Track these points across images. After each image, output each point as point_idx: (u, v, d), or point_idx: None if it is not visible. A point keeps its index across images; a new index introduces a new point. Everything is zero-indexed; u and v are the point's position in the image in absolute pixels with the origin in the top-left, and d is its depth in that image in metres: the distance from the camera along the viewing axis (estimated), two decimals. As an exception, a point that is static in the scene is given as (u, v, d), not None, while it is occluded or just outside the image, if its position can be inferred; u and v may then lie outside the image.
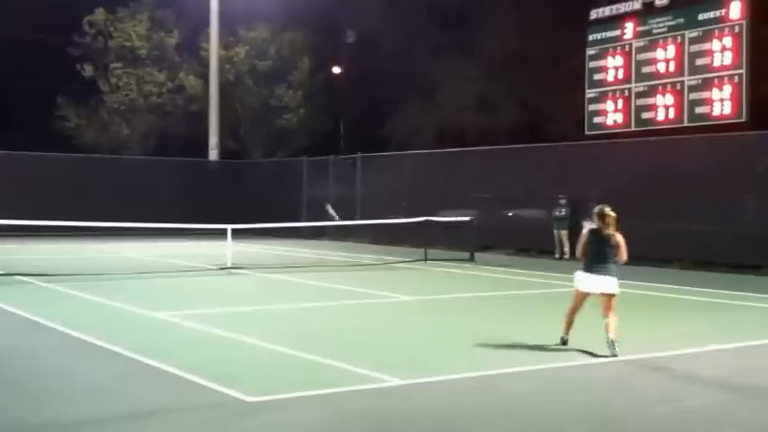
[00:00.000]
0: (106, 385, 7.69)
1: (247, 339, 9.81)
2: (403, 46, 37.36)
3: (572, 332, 9.49)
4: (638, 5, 23.07)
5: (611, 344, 8.94)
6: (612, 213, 9.25)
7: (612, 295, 9.17)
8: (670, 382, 8.11)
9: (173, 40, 36.96)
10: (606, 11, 23.98)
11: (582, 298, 9.40)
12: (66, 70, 35.57)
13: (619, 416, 6.89)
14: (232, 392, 7.25)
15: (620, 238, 9.21)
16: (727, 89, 20.76)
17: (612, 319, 9.10)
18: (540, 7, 33.04)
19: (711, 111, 21.12)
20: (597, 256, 9.23)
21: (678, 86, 21.86)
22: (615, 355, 8.87)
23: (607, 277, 9.17)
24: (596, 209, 9.41)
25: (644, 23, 22.86)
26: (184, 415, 6.81)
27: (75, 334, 10.07)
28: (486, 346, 9.77)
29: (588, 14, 24.39)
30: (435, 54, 36.26)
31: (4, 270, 17.11)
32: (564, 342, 9.47)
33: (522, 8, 33.87)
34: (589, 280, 9.26)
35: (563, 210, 22.33)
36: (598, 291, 9.20)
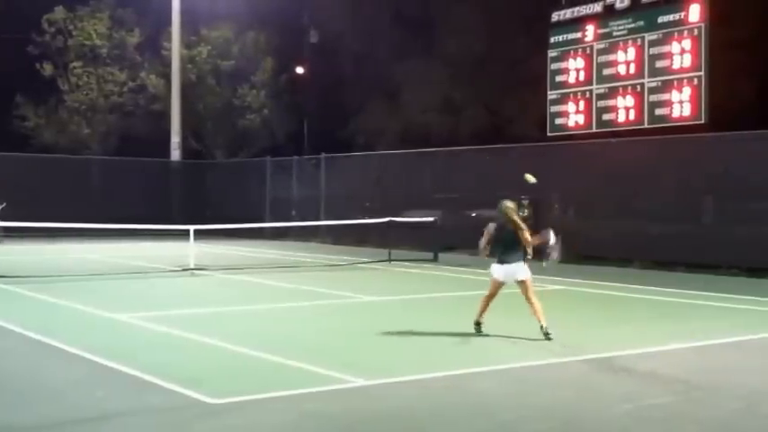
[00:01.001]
0: (65, 388, 7.56)
1: (210, 341, 9.72)
2: (367, 47, 37.35)
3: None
4: (598, 8, 23.27)
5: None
6: (510, 205, 10.18)
7: (525, 281, 10.02)
8: (632, 380, 8.18)
9: (134, 39, 36.57)
10: (567, 13, 24.16)
11: (498, 286, 10.20)
12: (25, 69, 35.02)
13: (581, 414, 6.94)
14: (194, 394, 7.17)
15: (522, 227, 10.03)
16: (687, 91, 21.01)
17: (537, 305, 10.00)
18: (504, 9, 33.21)
19: (671, 113, 21.37)
20: (505, 248, 10.11)
21: (638, 88, 22.09)
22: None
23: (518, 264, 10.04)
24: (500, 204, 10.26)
25: (605, 26, 23.07)
26: (145, 417, 6.72)
27: (32, 336, 9.91)
28: (451, 346, 9.79)
29: (550, 17, 24.54)
30: (400, 55, 36.30)
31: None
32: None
33: (485, 10, 34.02)
34: (504, 270, 10.09)
35: (525, 210, 22.43)
36: (512, 280, 10.03)
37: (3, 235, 26.54)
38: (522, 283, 10.06)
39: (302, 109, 41.79)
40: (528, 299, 10.05)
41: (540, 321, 9.90)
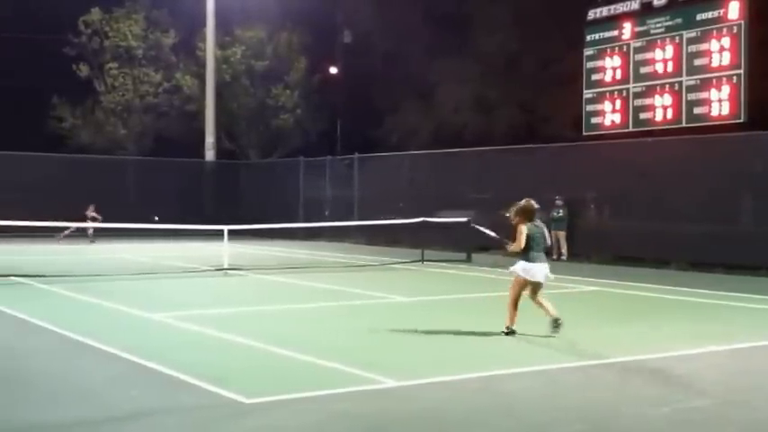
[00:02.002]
0: (100, 386, 7.66)
1: (243, 340, 9.78)
2: (400, 46, 37.36)
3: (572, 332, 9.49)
4: (635, 5, 23.06)
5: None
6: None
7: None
8: (668, 383, 8.09)
9: (169, 40, 36.92)
10: (604, 11, 23.98)
11: (525, 285, 10.24)
12: (62, 70, 35.50)
13: (616, 418, 6.87)
14: (226, 393, 7.22)
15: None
16: (726, 90, 20.76)
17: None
18: (538, 7, 33.03)
19: (710, 111, 21.12)
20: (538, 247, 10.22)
21: (676, 87, 21.87)
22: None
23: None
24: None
25: (642, 24, 22.86)
26: (178, 416, 6.78)
27: (69, 335, 10.04)
28: (483, 346, 9.76)
29: (586, 15, 24.37)
30: (432, 54, 36.25)
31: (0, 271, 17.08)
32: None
33: (519, 8, 33.87)
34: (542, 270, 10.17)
35: (560, 210, 22.31)
36: (547, 279, 10.21)
37: (93, 236, 27.39)
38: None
39: (335, 109, 41.91)
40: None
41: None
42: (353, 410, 6.94)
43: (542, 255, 10.22)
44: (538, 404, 7.22)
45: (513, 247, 10.24)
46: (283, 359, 8.86)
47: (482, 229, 11.88)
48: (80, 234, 27.43)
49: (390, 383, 7.70)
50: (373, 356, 9.02)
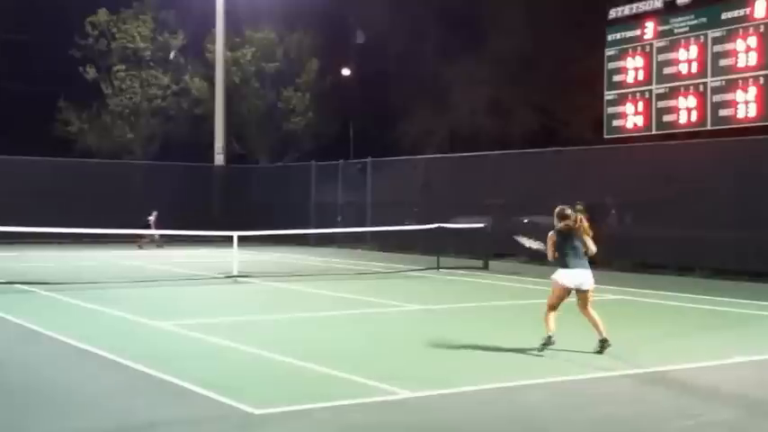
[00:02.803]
0: (107, 396, 7.71)
1: (253, 350, 9.83)
2: (414, 47, 37.43)
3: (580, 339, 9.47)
4: (658, 4, 23.01)
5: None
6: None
7: (590, 289, 9.92)
8: (690, 395, 8.07)
9: (177, 42, 37.11)
10: (625, 10, 23.93)
11: (564, 293, 9.93)
12: (68, 73, 35.74)
13: (637, 430, 6.86)
14: (236, 404, 7.26)
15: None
16: (752, 91, 20.67)
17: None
18: (555, 7, 33.03)
19: (736, 113, 21.03)
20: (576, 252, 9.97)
21: (701, 88, 21.79)
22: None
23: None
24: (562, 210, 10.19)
25: (665, 23, 22.80)
26: (188, 427, 6.82)
27: (74, 344, 10.11)
28: (500, 357, 9.76)
29: (606, 14, 24.34)
30: (447, 55, 36.30)
31: (4, 278, 17.19)
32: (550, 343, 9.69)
33: (535, 8, 33.87)
34: (577, 276, 9.89)
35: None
36: (586, 287, 9.85)
37: (161, 240, 27.96)
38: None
39: (347, 111, 42.00)
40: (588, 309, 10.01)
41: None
42: (367, 422, 6.96)
43: (581, 260, 9.94)
44: (556, 417, 7.23)
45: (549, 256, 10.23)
46: (294, 369, 8.89)
47: (523, 240, 11.61)
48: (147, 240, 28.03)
49: (405, 394, 7.72)
50: (387, 366, 9.04)
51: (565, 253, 9.92)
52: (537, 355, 9.61)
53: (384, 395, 7.71)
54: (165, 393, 7.80)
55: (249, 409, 7.10)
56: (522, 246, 11.52)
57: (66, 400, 7.59)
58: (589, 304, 9.86)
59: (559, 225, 10.04)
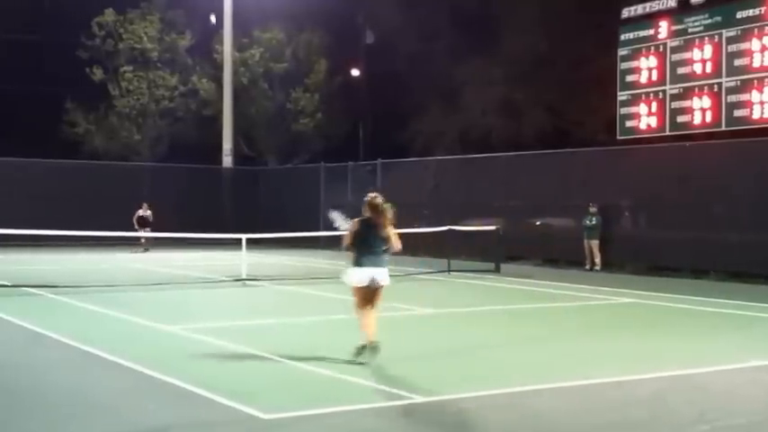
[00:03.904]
0: (115, 400, 7.73)
1: (262, 354, 9.84)
2: (424, 46, 37.41)
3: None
4: (672, 3, 22.96)
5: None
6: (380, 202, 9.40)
7: (382, 288, 9.34)
8: (706, 399, 8.05)
9: (185, 42, 37.20)
10: (639, 9, 23.89)
11: (364, 294, 9.36)
12: (75, 74, 35.85)
13: (653, 435, 6.85)
14: (245, 408, 7.26)
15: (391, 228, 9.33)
16: (768, 91, 20.61)
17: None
18: (568, 6, 32.98)
19: (751, 114, 20.96)
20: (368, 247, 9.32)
21: (715, 88, 21.73)
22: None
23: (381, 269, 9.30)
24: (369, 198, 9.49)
25: (679, 22, 22.75)
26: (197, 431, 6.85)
27: (82, 347, 10.14)
28: (512, 360, 9.75)
29: (618, 13, 24.30)
30: (458, 55, 36.28)
31: (11, 281, 17.26)
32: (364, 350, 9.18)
33: (548, 7, 33.83)
34: (365, 274, 9.31)
35: (593, 218, 22.23)
36: (376, 284, 9.30)
37: (146, 244, 27.73)
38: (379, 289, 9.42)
39: (357, 112, 42.01)
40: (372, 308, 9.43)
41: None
42: (378, 427, 6.96)
43: (375, 257, 9.34)
44: (570, 422, 7.21)
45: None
46: (304, 373, 8.90)
47: (335, 216, 10.46)
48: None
49: (416, 399, 7.72)
50: (398, 371, 9.04)
51: (359, 247, 9.40)
52: (550, 359, 9.58)
53: (396, 400, 7.71)
54: (173, 397, 7.82)
55: (259, 414, 7.11)
56: (332, 222, 10.60)
57: (75, 404, 7.61)
58: (377, 303, 9.43)
59: (365, 215, 9.47)
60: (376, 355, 9.14)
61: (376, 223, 9.37)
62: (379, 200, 9.47)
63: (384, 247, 9.40)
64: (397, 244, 9.41)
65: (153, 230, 26.62)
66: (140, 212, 27.88)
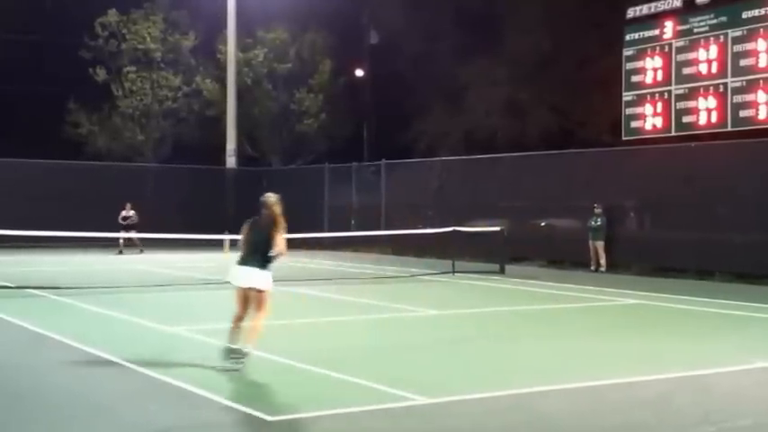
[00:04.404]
0: (117, 402, 7.74)
1: (265, 355, 9.83)
2: (428, 47, 37.39)
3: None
4: (678, 3, 22.94)
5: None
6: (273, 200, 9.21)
7: (262, 291, 9.04)
8: (711, 401, 8.04)
9: (188, 43, 37.21)
10: (644, 9, 23.86)
11: (241, 295, 9.11)
12: (78, 74, 35.89)
13: (658, 437, 6.84)
14: (249, 410, 7.27)
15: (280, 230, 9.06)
16: (774, 91, 20.58)
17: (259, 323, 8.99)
18: (572, 6, 32.95)
19: (756, 114, 20.93)
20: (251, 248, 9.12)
21: (721, 89, 21.70)
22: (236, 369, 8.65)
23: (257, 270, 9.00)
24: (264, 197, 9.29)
25: (684, 22, 22.73)
26: (200, 434, 6.85)
27: (84, 348, 10.16)
28: (517, 363, 9.74)
29: (623, 13, 24.28)
30: (462, 55, 36.26)
31: (14, 282, 17.29)
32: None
33: (552, 7, 33.80)
34: (240, 273, 9.07)
35: (599, 219, 22.21)
36: (248, 285, 9.04)
37: (130, 245, 27.35)
38: (260, 293, 9.10)
39: (361, 113, 42.02)
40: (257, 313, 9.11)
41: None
42: (383, 429, 6.96)
43: (252, 258, 9.11)
44: (576, 423, 7.20)
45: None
46: (308, 375, 8.90)
47: None
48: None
49: (421, 400, 7.71)
50: (403, 372, 9.04)
51: (245, 246, 9.22)
52: (555, 361, 9.57)
53: (400, 401, 7.71)
54: (177, 399, 7.82)
55: (261, 416, 7.11)
56: None
57: (77, 406, 7.62)
58: (258, 308, 9.08)
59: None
60: (238, 365, 8.70)
61: (261, 224, 9.19)
62: (272, 199, 9.27)
63: (267, 250, 9.08)
64: (280, 248, 9.08)
65: (138, 231, 26.24)
66: (123, 213, 27.59)
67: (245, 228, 9.33)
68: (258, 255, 9.07)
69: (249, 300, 9.11)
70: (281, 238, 9.06)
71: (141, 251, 27.46)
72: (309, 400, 7.82)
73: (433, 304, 15.03)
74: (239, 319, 9.18)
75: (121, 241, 27.09)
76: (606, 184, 22.78)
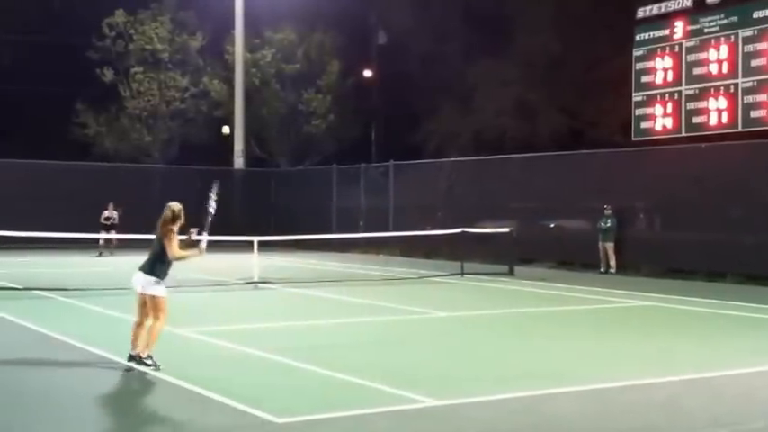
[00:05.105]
0: (125, 404, 7.78)
1: (274, 357, 9.87)
2: (437, 47, 37.41)
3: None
4: (688, 3, 22.89)
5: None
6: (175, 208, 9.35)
7: (154, 297, 9.12)
8: (723, 403, 8.03)
9: (196, 43, 37.28)
10: (654, 9, 23.83)
11: (138, 300, 9.24)
12: (86, 75, 36.00)
13: (669, 440, 6.84)
14: (258, 412, 7.29)
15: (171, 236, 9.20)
16: (785, 92, 20.53)
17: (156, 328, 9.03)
18: (582, 6, 32.93)
19: (768, 115, 20.90)
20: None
21: (732, 89, 21.65)
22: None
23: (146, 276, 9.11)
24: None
25: (695, 22, 22.68)
26: (209, 435, 6.87)
27: (92, 350, 10.20)
28: (526, 364, 9.74)
29: (633, 13, 24.25)
30: (472, 56, 36.27)
31: (22, 284, 17.36)
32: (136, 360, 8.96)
33: (562, 7, 33.78)
34: (133, 278, 9.21)
35: (608, 220, 22.19)
36: (138, 290, 9.17)
37: (101, 247, 26.86)
38: (152, 299, 9.19)
39: (369, 114, 42.03)
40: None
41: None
42: (392, 430, 6.98)
43: (145, 263, 9.32)
44: (587, 426, 7.21)
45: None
46: (317, 377, 8.92)
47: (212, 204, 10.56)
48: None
49: (430, 402, 7.73)
50: (412, 374, 9.05)
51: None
52: (564, 363, 9.56)
53: (409, 403, 7.72)
54: (185, 401, 7.85)
55: (270, 418, 7.13)
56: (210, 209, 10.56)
57: (84, 407, 7.65)
58: (153, 314, 9.11)
59: None
60: (149, 369, 8.79)
61: (158, 228, 9.36)
62: (173, 206, 9.48)
63: (159, 256, 9.25)
64: (171, 253, 9.22)
65: (117, 232, 25.55)
66: (106, 213, 26.81)
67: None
68: (150, 260, 9.28)
69: (147, 305, 9.18)
70: (170, 243, 9.19)
71: (100, 254, 26.50)
72: (319, 401, 7.84)
73: (443, 306, 15.03)
74: (137, 324, 9.22)
75: (101, 242, 26.49)
76: (616, 185, 22.75)
